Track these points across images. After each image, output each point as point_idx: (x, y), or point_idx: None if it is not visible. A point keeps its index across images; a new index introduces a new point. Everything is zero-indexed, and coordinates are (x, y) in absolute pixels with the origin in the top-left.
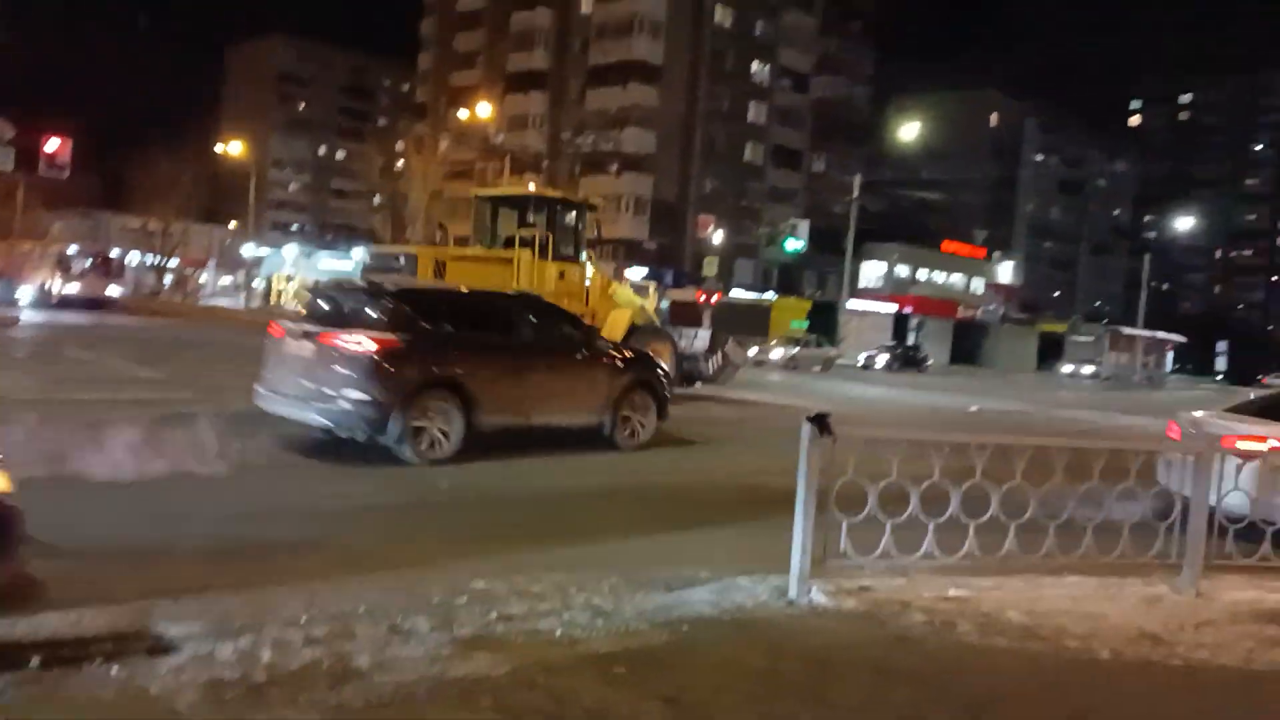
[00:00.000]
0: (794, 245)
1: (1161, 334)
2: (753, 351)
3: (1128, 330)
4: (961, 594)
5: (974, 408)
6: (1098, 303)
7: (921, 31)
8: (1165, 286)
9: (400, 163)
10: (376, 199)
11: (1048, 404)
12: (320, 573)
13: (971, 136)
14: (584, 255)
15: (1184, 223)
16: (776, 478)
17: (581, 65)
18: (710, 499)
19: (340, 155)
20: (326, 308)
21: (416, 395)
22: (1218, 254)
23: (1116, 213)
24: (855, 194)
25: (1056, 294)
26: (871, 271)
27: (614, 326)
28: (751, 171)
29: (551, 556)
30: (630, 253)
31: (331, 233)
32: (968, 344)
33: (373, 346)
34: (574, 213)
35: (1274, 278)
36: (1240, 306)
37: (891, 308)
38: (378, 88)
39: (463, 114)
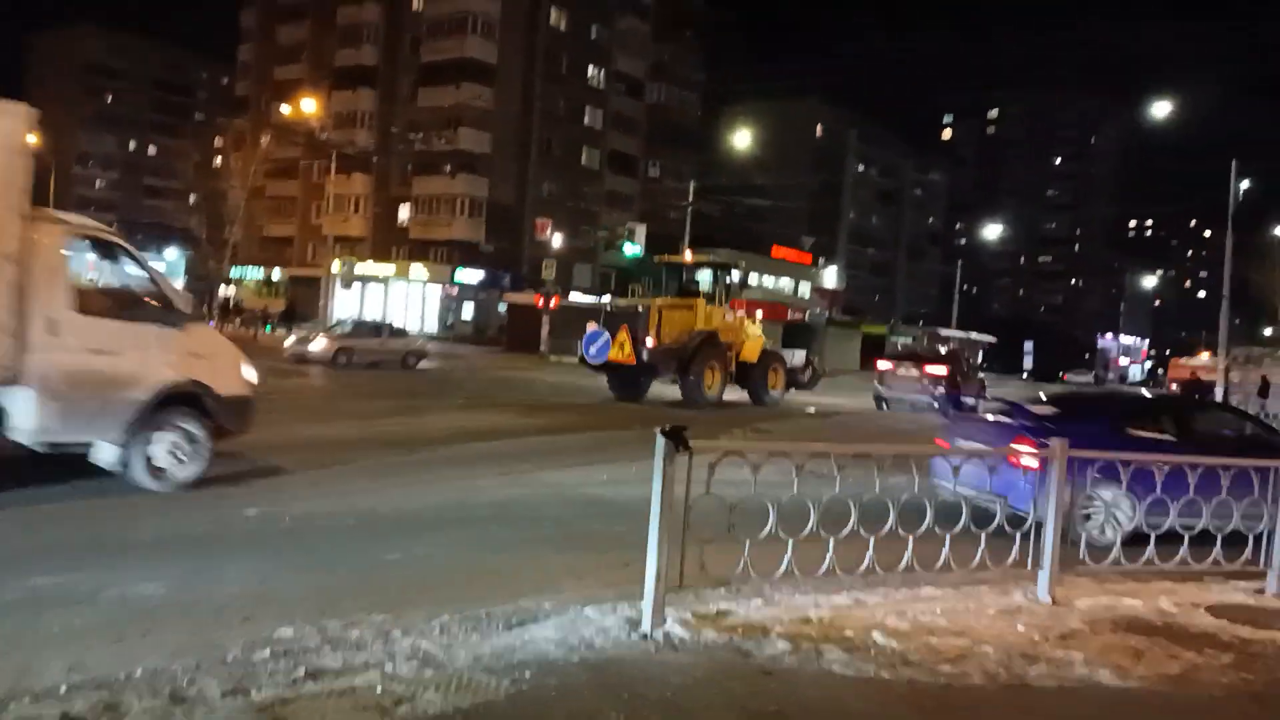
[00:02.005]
0: (632, 250)
1: (974, 335)
2: None
3: (944, 331)
4: (823, 614)
5: (811, 409)
6: (914, 306)
7: (749, 40)
8: (975, 290)
9: (219, 159)
10: (193, 197)
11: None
12: (95, 628)
13: (798, 145)
14: (728, 302)
15: (992, 230)
16: (612, 489)
17: (413, 63)
18: (552, 515)
19: (153, 151)
20: None
21: None
22: (1022, 260)
23: (930, 221)
24: (690, 199)
25: (877, 298)
26: (703, 276)
27: (752, 351)
28: (589, 176)
29: (373, 592)
30: (466, 255)
31: (143, 232)
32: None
33: None
34: (722, 271)
35: (1073, 281)
36: (1043, 309)
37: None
38: (195, 81)
39: (286, 110)
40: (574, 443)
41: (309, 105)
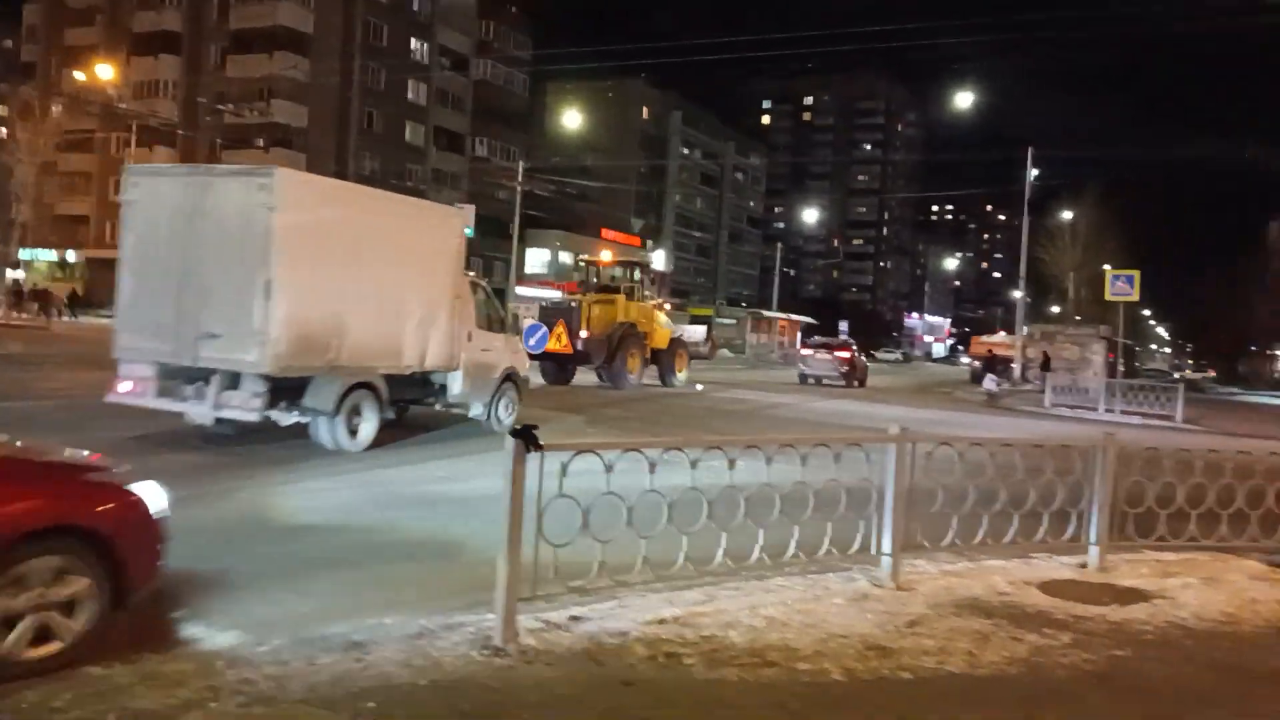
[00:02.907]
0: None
1: (795, 316)
2: None
3: (767, 313)
4: (676, 613)
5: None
6: (736, 288)
7: (575, 18)
8: (792, 272)
9: (2, 130)
10: None
11: (710, 384)
12: None
13: (624, 127)
14: (639, 295)
15: (807, 214)
16: (451, 485)
17: (221, 29)
18: (388, 519)
19: None
20: None
21: None
22: (835, 242)
23: (751, 204)
24: (519, 179)
25: (700, 280)
26: (536, 258)
27: (662, 339)
28: (413, 153)
29: (192, 619)
30: None
31: None
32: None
33: None
34: (637, 268)
35: (881, 263)
36: (854, 289)
37: (558, 294)
38: None
39: (80, 77)
40: (407, 436)
41: (105, 72)
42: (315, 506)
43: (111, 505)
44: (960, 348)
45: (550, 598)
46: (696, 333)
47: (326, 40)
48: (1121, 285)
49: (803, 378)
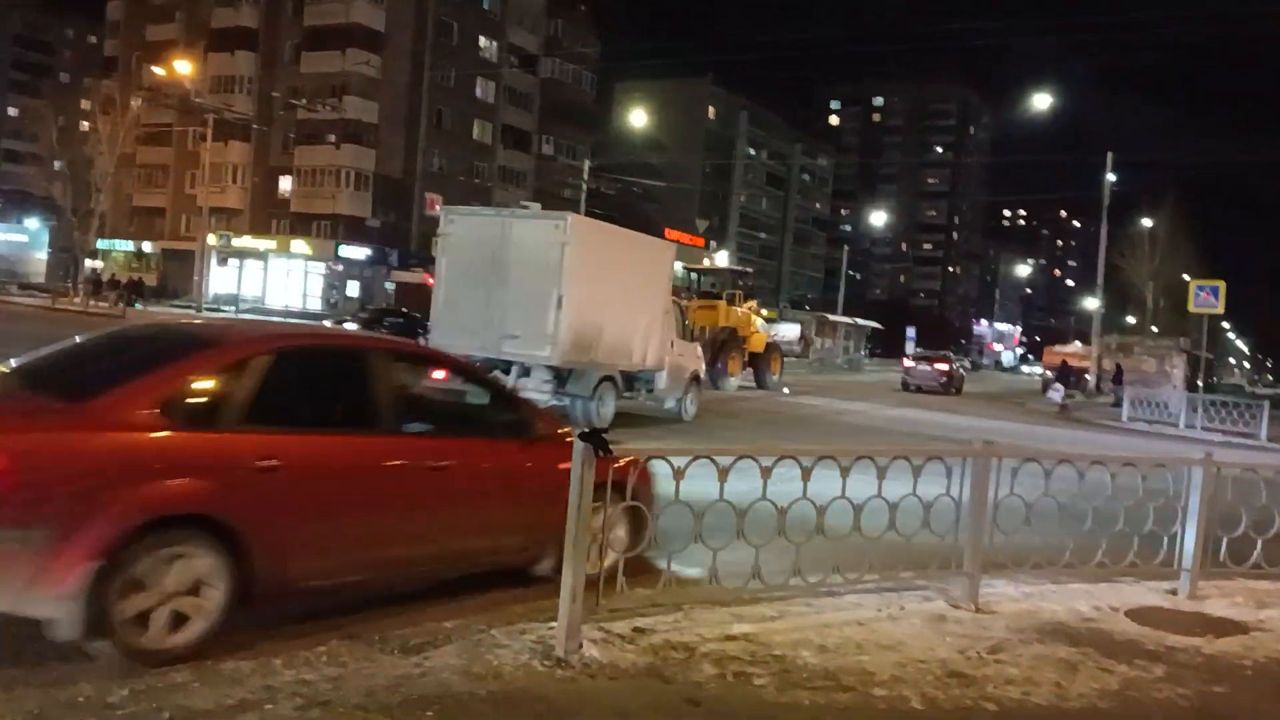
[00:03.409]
0: None
1: (860, 320)
2: None
3: (832, 317)
4: (746, 629)
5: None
6: (800, 290)
7: (643, 17)
8: (858, 275)
9: (85, 124)
10: (56, 164)
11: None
12: None
13: (690, 126)
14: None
15: (875, 216)
16: None
17: (295, 26)
18: None
19: (13, 113)
20: None
21: None
22: (903, 246)
23: (817, 205)
24: (584, 179)
25: (763, 281)
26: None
27: (759, 343)
28: (481, 150)
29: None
30: (351, 231)
31: (1, 199)
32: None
33: None
34: (739, 276)
35: (950, 268)
36: (921, 295)
37: None
38: (58, 39)
39: (159, 72)
40: None
41: (183, 67)
42: None
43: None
44: (1030, 356)
45: (616, 610)
46: (790, 331)
47: (398, 38)
48: (1205, 297)
49: (905, 385)
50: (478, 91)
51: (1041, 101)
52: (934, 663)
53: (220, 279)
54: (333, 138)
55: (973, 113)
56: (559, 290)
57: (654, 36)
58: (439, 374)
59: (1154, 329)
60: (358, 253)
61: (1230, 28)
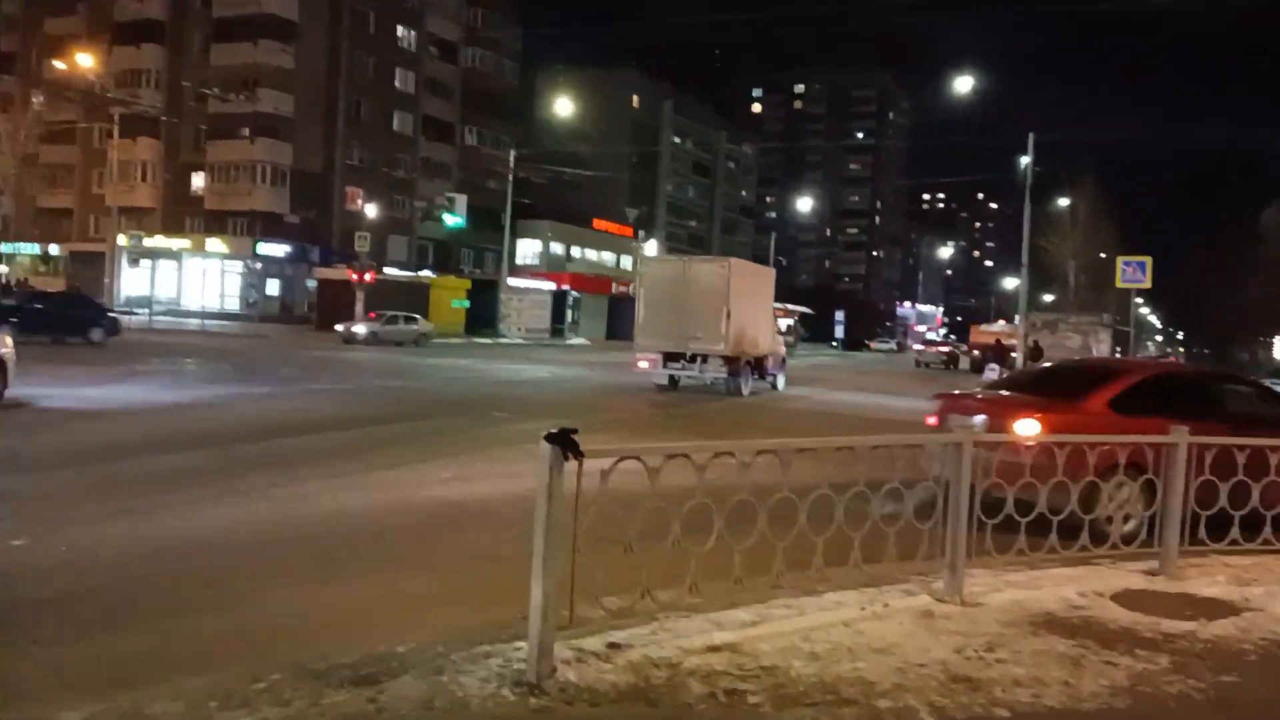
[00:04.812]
0: (453, 220)
1: (791, 305)
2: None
3: (776, 305)
4: (728, 638)
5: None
6: None
7: (565, 5)
8: (785, 261)
9: None
10: None
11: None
12: None
13: (615, 116)
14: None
15: (801, 203)
16: (458, 488)
17: (204, 17)
18: (395, 527)
19: None
20: None
21: None
22: (828, 231)
23: (743, 194)
24: (511, 168)
25: None
26: (527, 249)
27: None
28: (402, 142)
29: (179, 650)
30: (269, 228)
31: None
32: (622, 320)
33: None
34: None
35: (874, 252)
36: (846, 279)
37: (550, 286)
38: None
39: (60, 66)
40: (407, 433)
41: (86, 61)
42: (311, 514)
43: None
44: (952, 336)
45: (587, 624)
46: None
47: (312, 28)
48: (1132, 272)
49: (918, 363)
50: (397, 82)
51: (960, 85)
52: (934, 666)
53: (132, 281)
54: (247, 132)
55: (892, 98)
56: (727, 306)
57: (577, 25)
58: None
59: (1074, 307)
60: (277, 250)
61: (1148, 5)
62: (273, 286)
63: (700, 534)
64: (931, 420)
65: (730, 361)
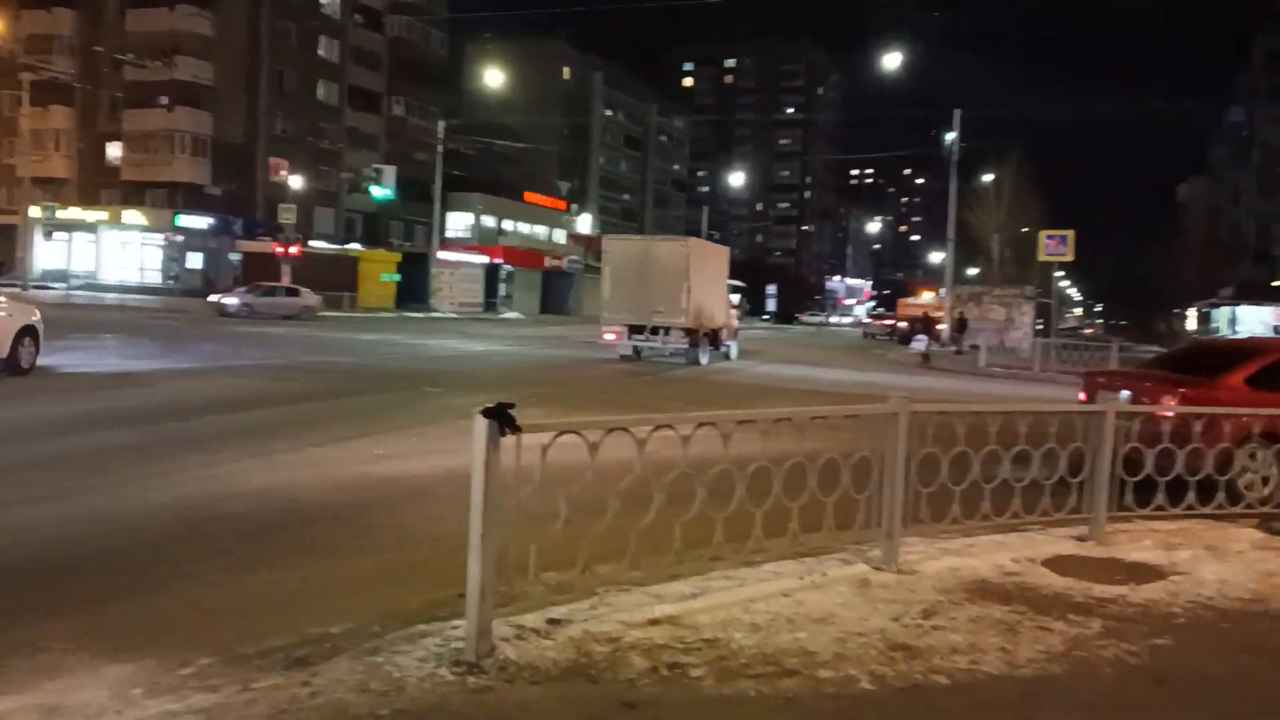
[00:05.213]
0: (381, 192)
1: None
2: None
3: None
4: (669, 610)
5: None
6: None
7: None
8: (718, 236)
9: None
10: None
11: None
12: None
13: (546, 87)
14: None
15: (733, 178)
16: (390, 466)
17: None
18: (325, 505)
19: None
20: None
21: None
22: (759, 206)
23: (675, 167)
24: (440, 139)
25: None
26: (458, 222)
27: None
28: (327, 112)
29: (99, 636)
30: (190, 199)
31: None
32: (556, 294)
33: None
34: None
35: (804, 227)
36: (779, 253)
37: (483, 259)
38: None
39: None
40: (338, 409)
41: None
42: (239, 492)
43: None
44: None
45: (526, 600)
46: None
47: None
48: (1055, 245)
49: (865, 334)
50: (321, 51)
51: (889, 61)
52: (873, 635)
53: (48, 254)
54: (165, 100)
55: (822, 73)
56: (687, 283)
57: None
58: None
59: (997, 280)
60: (198, 222)
61: None
62: (194, 260)
63: (641, 508)
64: (1081, 396)
65: (690, 333)
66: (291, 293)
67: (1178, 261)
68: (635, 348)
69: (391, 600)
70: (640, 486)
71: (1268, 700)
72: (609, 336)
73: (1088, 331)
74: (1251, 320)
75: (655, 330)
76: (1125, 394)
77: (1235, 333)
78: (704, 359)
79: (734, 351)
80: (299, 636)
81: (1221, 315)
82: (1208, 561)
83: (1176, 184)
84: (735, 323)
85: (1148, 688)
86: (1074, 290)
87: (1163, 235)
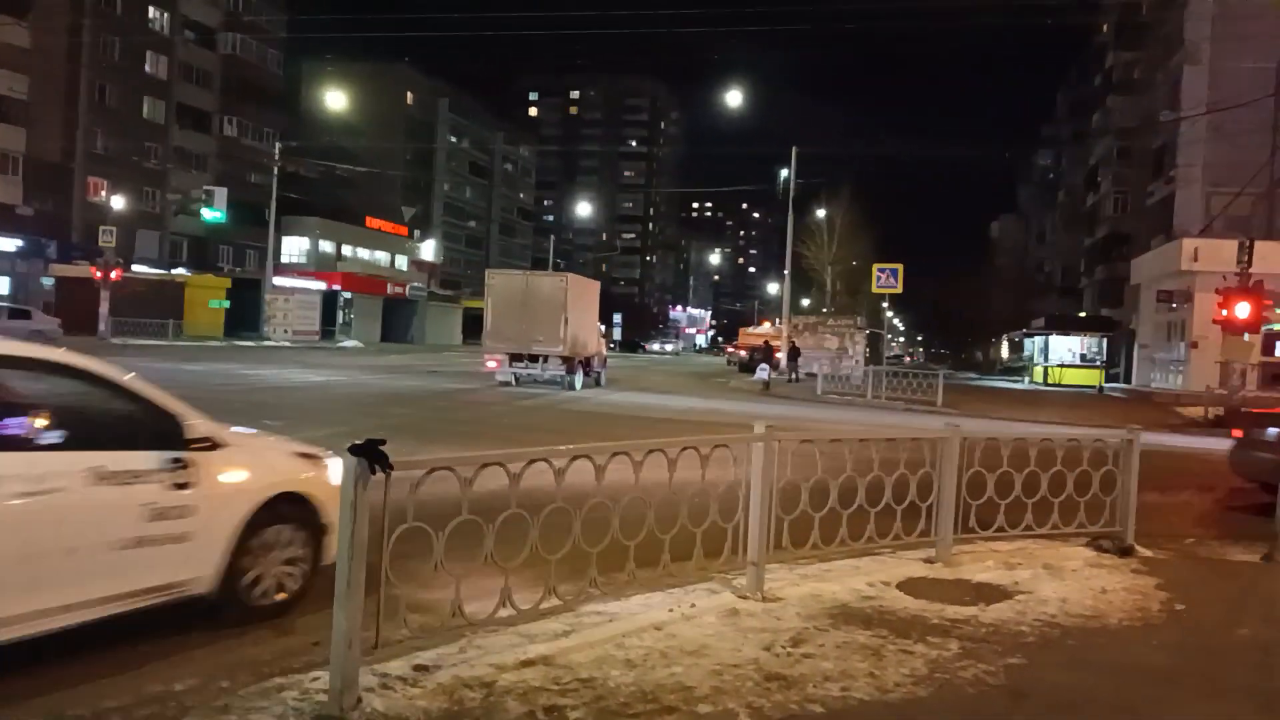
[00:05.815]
0: (212, 214)
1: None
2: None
3: None
4: (542, 650)
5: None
6: None
7: None
8: (563, 264)
9: None
10: None
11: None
12: None
13: (389, 112)
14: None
15: (579, 208)
16: None
17: None
18: None
19: None
20: None
21: None
22: (604, 236)
23: (521, 196)
24: (276, 160)
25: (469, 272)
26: (294, 246)
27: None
28: (152, 130)
29: None
30: None
31: None
32: (398, 322)
33: None
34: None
35: (648, 257)
36: (623, 282)
37: (320, 285)
38: None
39: None
40: None
41: None
42: None
43: None
44: (720, 338)
45: (390, 646)
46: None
47: (51, 4)
48: (886, 278)
49: (729, 362)
50: (148, 67)
51: (729, 98)
52: (747, 665)
53: None
54: None
55: (664, 107)
56: (564, 314)
57: (347, 15)
58: None
59: (824, 310)
60: (7, 244)
61: (910, 29)
62: (1, 284)
63: (514, 545)
64: (1236, 433)
65: (567, 361)
66: (18, 314)
67: (991, 294)
68: (515, 375)
69: (240, 651)
70: (516, 521)
71: (1117, 713)
72: (491, 364)
73: (907, 360)
74: (1061, 349)
75: (535, 358)
76: (1273, 431)
77: (1047, 361)
78: (579, 384)
79: (604, 378)
80: (137, 696)
81: (1034, 344)
82: (1047, 580)
83: (990, 221)
84: (605, 351)
85: (1008, 707)
86: (898, 320)
87: (980, 270)
